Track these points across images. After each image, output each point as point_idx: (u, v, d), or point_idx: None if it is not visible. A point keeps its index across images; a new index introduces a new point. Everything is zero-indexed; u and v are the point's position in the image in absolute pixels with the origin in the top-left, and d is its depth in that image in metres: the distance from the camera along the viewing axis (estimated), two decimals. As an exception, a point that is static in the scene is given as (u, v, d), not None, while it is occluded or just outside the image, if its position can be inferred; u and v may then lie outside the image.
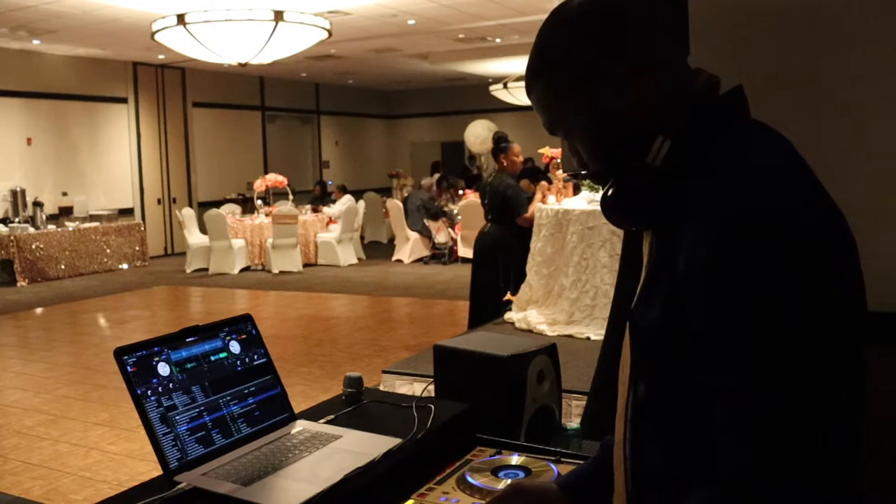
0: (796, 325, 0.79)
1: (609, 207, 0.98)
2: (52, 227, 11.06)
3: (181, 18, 7.54)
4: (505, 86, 13.58)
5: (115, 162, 12.98)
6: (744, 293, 0.80)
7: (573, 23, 0.97)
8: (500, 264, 5.58)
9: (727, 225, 0.81)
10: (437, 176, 13.68)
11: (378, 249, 13.35)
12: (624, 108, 0.95)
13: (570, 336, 4.81)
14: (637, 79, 0.94)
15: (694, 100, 0.95)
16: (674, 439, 0.92)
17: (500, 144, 5.62)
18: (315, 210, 12.72)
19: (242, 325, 1.47)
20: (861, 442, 0.86)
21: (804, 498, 0.78)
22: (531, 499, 1.14)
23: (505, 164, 5.59)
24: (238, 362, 1.42)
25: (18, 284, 10.25)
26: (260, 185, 12.20)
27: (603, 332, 3.60)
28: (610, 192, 0.97)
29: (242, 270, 11.17)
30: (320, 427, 1.44)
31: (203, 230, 11.51)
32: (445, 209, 12.03)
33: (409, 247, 11.88)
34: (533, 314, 5.20)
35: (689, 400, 0.87)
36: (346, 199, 12.53)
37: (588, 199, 5.25)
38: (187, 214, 11.76)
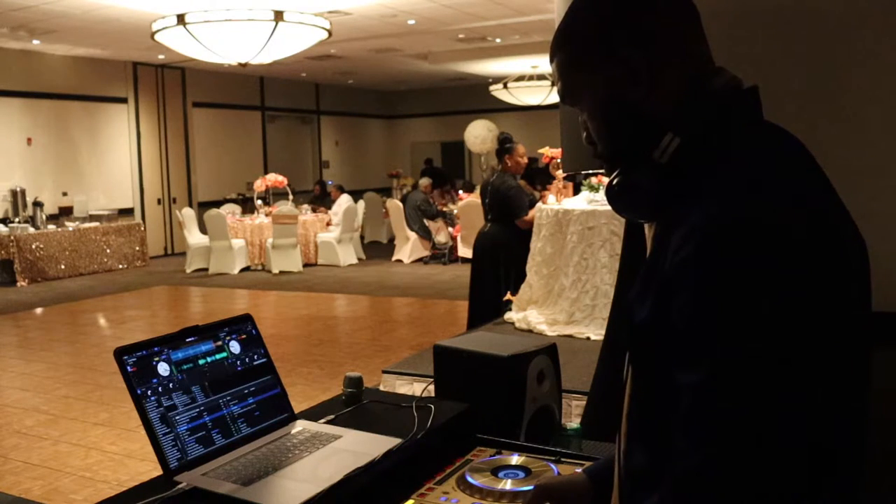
0: (767, 331, 0.78)
1: (613, 197, 0.99)
2: (52, 227, 11.05)
3: (181, 18, 7.54)
4: (505, 86, 13.56)
5: (115, 162, 12.98)
6: (720, 295, 0.80)
7: (604, 3, 0.98)
8: (500, 264, 5.58)
9: (715, 228, 0.81)
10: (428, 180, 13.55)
11: (378, 249, 13.34)
12: (638, 97, 0.95)
13: (570, 336, 4.81)
14: (656, 70, 0.93)
15: (711, 99, 0.94)
16: (654, 439, 0.91)
17: (504, 145, 5.63)
18: (315, 210, 12.72)
19: (242, 325, 1.47)
20: (863, 445, 0.86)
21: None
22: (558, 496, 1.13)
23: (509, 164, 5.60)
24: (238, 362, 1.42)
25: (18, 284, 10.25)
26: (260, 185, 12.20)
27: (603, 332, 3.60)
28: (615, 181, 0.98)
29: (242, 270, 11.17)
30: (320, 427, 1.44)
31: (203, 230, 11.51)
32: (444, 210, 12.02)
33: (409, 247, 11.87)
34: (533, 314, 5.19)
35: (667, 400, 0.86)
36: (345, 200, 12.52)
37: (588, 199, 5.24)
38: (187, 214, 11.76)
